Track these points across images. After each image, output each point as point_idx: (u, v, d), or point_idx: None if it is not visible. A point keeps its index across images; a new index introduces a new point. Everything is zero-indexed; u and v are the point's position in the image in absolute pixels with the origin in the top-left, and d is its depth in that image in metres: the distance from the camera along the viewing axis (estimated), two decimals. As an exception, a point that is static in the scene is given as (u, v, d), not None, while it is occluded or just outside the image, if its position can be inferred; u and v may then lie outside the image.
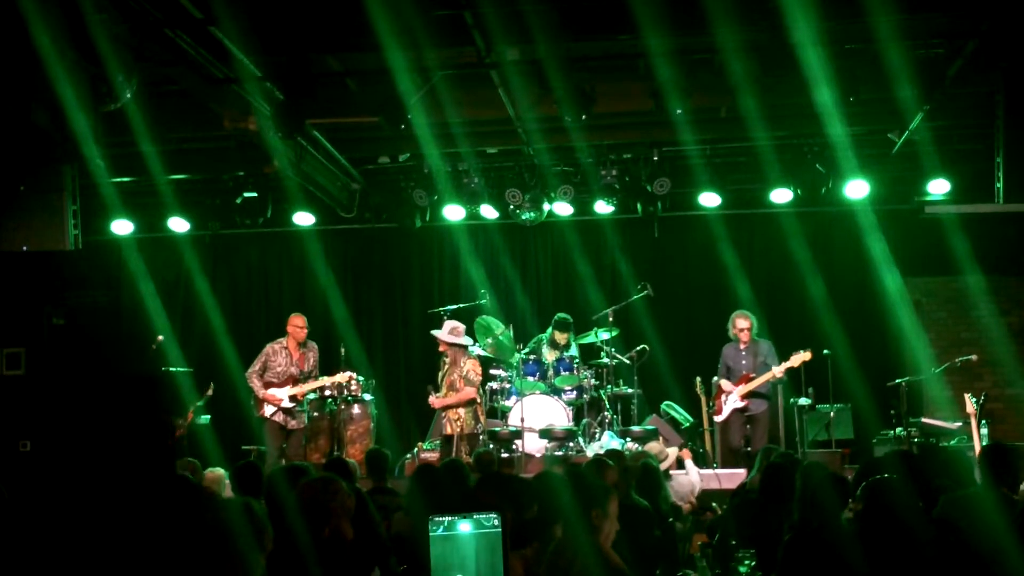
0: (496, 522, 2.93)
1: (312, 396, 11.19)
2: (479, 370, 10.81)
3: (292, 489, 4.66)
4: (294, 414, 11.07)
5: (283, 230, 13.30)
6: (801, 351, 10.95)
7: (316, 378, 11.15)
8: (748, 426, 11.15)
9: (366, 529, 5.54)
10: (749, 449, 10.91)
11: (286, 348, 11.11)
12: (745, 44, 8.41)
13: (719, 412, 11.24)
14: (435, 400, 10.79)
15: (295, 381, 11.02)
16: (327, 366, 11.44)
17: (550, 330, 11.85)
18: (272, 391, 10.95)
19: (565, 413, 11.28)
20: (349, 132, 11.53)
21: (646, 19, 7.84)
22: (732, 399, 11.10)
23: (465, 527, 2.93)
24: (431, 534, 2.92)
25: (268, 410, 10.96)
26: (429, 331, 11.60)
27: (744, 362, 11.20)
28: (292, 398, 11.00)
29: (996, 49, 8.45)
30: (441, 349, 10.95)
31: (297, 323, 11.22)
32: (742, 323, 11.17)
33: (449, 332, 10.77)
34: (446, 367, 10.84)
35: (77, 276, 12.93)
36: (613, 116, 10.80)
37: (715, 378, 11.44)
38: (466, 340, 10.89)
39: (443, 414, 10.84)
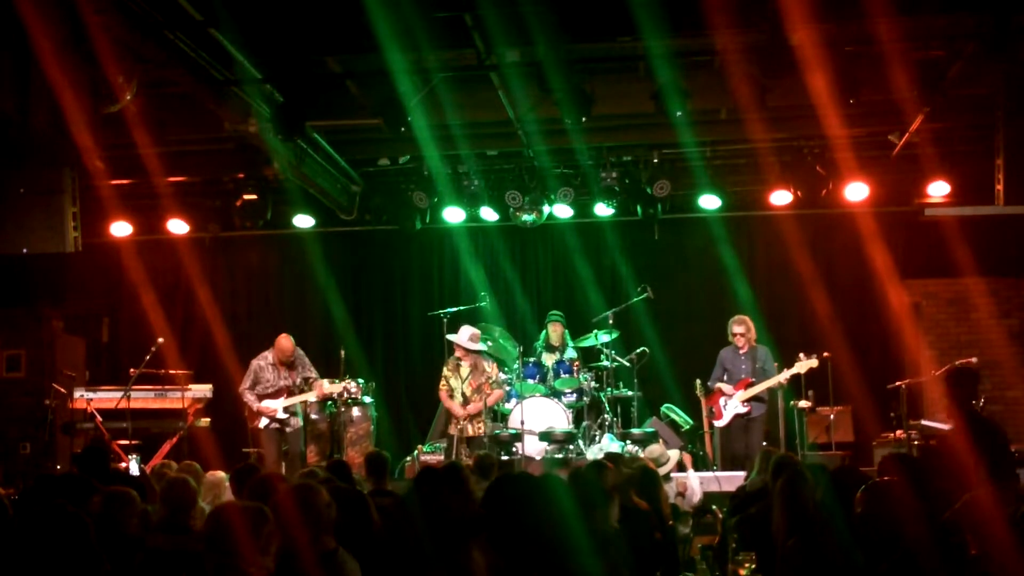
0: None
1: (311, 400, 11.15)
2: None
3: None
4: (288, 421, 10.98)
5: (283, 232, 13.28)
6: (805, 357, 10.83)
7: (309, 383, 11.01)
8: (745, 431, 11.04)
9: (366, 532, 5.52)
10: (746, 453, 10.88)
11: (273, 364, 10.99)
12: (745, 46, 8.40)
13: (719, 416, 11.12)
14: (468, 409, 10.89)
15: (289, 392, 10.93)
16: (326, 370, 11.40)
17: (545, 332, 11.87)
18: (266, 403, 10.86)
19: (565, 416, 11.27)
20: (349, 134, 11.53)
21: (646, 21, 7.83)
22: (734, 404, 11.02)
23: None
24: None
25: (263, 422, 10.89)
26: (432, 334, 11.64)
27: (744, 366, 11.15)
28: (286, 409, 10.91)
29: (996, 51, 8.44)
30: (458, 355, 11.03)
31: (284, 348, 10.95)
32: (741, 328, 11.13)
33: (468, 339, 10.93)
34: (466, 375, 10.95)
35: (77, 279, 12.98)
36: (613, 118, 10.81)
37: (708, 382, 11.31)
38: (482, 345, 11.07)
39: (451, 417, 11.07)
